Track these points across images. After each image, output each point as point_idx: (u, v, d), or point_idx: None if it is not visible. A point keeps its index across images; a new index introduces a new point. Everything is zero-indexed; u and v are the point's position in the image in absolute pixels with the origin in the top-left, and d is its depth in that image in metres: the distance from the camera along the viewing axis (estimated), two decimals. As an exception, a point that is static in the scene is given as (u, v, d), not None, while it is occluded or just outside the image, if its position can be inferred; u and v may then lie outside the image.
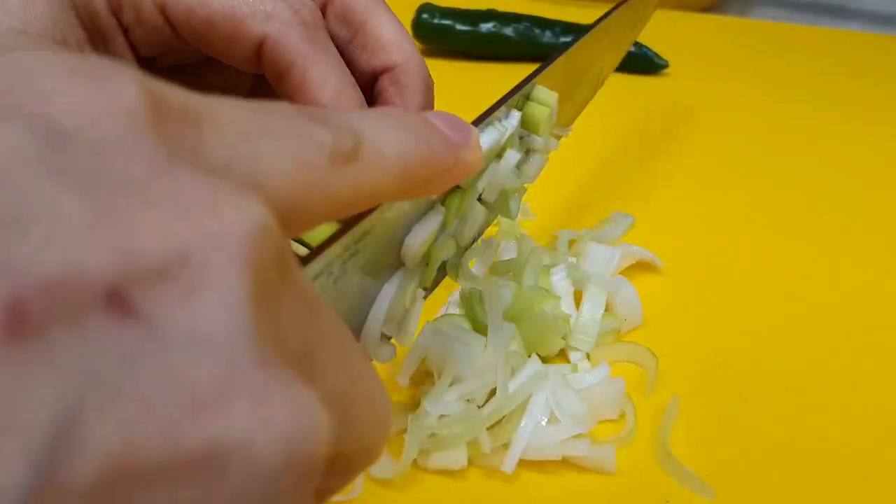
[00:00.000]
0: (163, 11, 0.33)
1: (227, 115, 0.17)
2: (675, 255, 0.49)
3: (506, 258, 0.45)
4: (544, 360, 0.41)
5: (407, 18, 0.73)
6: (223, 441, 0.14)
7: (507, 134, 0.34)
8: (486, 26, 0.73)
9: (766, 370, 0.43)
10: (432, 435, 0.36)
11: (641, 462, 0.37)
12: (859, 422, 0.40)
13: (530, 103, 0.37)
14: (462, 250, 0.35)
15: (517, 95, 0.35)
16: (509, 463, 0.36)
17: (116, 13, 0.34)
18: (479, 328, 0.40)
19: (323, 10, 0.35)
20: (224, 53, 0.34)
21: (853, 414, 0.40)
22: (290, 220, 0.17)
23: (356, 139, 0.19)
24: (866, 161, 0.62)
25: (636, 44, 0.72)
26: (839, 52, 0.79)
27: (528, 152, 0.37)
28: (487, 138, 0.33)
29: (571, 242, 0.49)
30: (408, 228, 0.31)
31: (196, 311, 0.14)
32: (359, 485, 0.36)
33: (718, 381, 0.42)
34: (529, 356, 0.39)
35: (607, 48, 0.47)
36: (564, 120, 0.43)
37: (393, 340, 0.32)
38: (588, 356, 0.42)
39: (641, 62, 0.73)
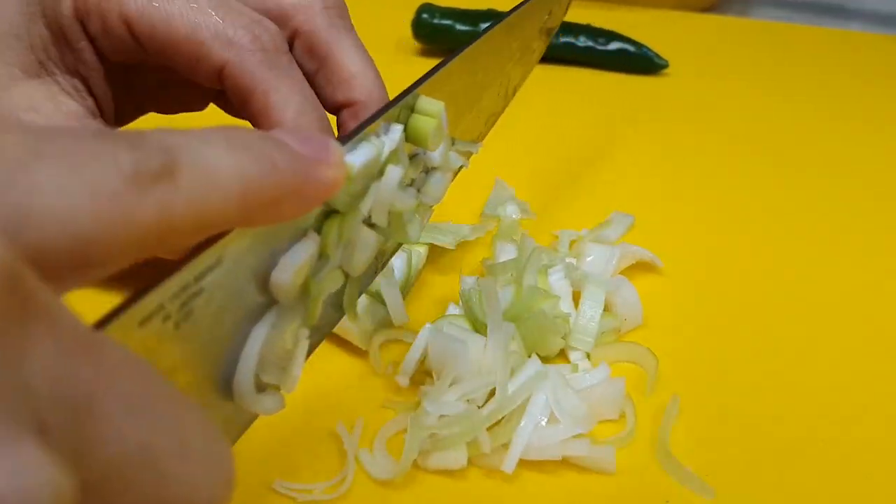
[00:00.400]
0: (128, 26, 0.33)
1: (7, 142, 0.15)
2: (675, 255, 0.49)
3: (505, 258, 0.45)
4: (544, 360, 0.41)
5: (407, 18, 0.73)
6: None
7: (387, 149, 0.31)
8: (486, 26, 0.72)
9: (767, 370, 0.43)
10: (432, 435, 0.36)
11: (641, 462, 0.37)
12: (859, 422, 0.40)
13: (414, 115, 0.33)
14: (357, 282, 0.32)
15: (397, 107, 0.32)
16: (509, 463, 0.36)
17: (83, 21, 0.34)
18: (479, 328, 0.40)
19: (291, 43, 0.36)
20: (188, 72, 0.34)
21: (853, 414, 0.40)
22: (82, 253, 0.16)
23: (168, 159, 0.17)
24: (866, 161, 0.62)
25: (636, 44, 0.72)
26: (839, 52, 0.79)
27: (428, 171, 0.35)
28: (361, 155, 0.30)
29: (572, 243, 0.49)
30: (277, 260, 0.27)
31: None
32: (348, 479, 0.36)
33: (718, 381, 0.42)
34: (529, 356, 0.39)
35: (510, 55, 0.45)
36: (471, 135, 0.42)
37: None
38: (588, 356, 0.42)
39: (641, 62, 0.73)
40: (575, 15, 0.80)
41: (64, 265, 0.15)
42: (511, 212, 0.50)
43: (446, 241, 0.46)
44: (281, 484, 0.35)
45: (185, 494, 0.16)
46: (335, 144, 0.22)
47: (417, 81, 0.34)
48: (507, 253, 0.46)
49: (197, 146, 0.18)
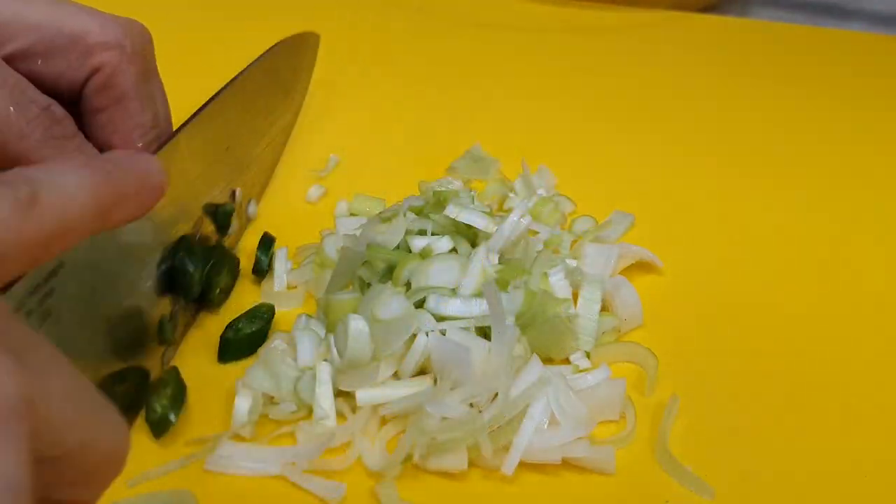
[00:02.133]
0: None
1: None
2: (675, 255, 0.49)
3: (508, 259, 0.45)
4: (546, 360, 0.41)
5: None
6: None
7: None
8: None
9: (766, 370, 0.43)
10: (433, 438, 0.35)
11: (641, 462, 0.37)
12: (859, 422, 0.40)
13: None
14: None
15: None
16: (509, 465, 0.36)
17: None
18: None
19: (89, 78, 0.38)
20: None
21: (853, 414, 0.40)
22: None
23: (33, 186, 0.23)
24: (866, 160, 0.62)
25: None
26: (839, 52, 0.79)
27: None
28: None
29: (573, 243, 0.49)
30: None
31: None
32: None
33: (718, 381, 0.42)
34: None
35: (260, 102, 0.51)
36: (253, 191, 0.51)
37: None
38: (588, 355, 0.42)
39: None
40: (575, 15, 0.80)
41: None
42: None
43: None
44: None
45: (98, 452, 0.22)
46: (154, 157, 0.28)
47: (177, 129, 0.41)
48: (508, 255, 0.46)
49: (49, 173, 0.24)
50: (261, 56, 0.50)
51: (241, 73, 0.48)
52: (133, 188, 0.26)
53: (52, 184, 0.23)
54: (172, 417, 0.37)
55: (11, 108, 0.35)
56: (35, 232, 0.22)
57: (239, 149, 0.48)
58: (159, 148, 0.39)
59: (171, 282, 0.41)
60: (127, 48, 0.38)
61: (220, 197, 0.46)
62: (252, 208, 0.50)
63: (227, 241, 0.47)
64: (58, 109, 0.36)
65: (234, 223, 0.47)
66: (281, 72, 0.54)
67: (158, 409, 0.38)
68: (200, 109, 0.43)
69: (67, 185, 0.24)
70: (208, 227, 0.45)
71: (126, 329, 0.38)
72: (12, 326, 0.21)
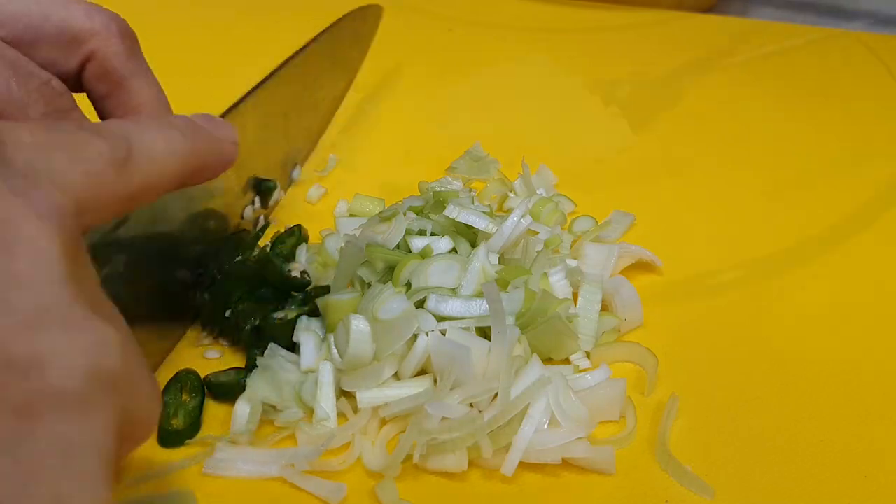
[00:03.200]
0: None
1: (25, 134, 0.23)
2: (675, 255, 0.49)
3: (508, 259, 0.45)
4: (547, 361, 0.40)
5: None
6: (41, 351, 0.19)
7: None
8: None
9: (766, 370, 0.43)
10: (433, 438, 0.35)
11: (641, 462, 0.37)
12: (858, 422, 0.40)
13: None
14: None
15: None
16: (509, 466, 0.35)
17: None
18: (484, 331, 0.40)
19: (83, 66, 0.38)
20: None
21: (852, 414, 0.40)
22: (83, 213, 0.23)
23: (128, 145, 0.25)
24: (866, 161, 0.62)
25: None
26: (839, 52, 0.79)
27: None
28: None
29: (573, 243, 0.49)
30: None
31: (14, 260, 0.20)
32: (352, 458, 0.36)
33: (718, 381, 0.42)
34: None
35: (320, 72, 0.55)
36: (299, 156, 0.55)
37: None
38: (588, 355, 0.42)
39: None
40: (576, 15, 0.80)
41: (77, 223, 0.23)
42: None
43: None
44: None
45: (143, 407, 0.23)
46: (232, 125, 0.30)
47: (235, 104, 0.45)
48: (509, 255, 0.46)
49: (141, 132, 0.26)
50: (323, 31, 0.54)
51: (303, 48, 0.51)
52: (213, 154, 0.28)
53: (143, 144, 0.25)
54: (184, 437, 0.37)
55: (12, 82, 0.34)
56: (125, 188, 0.24)
57: (293, 119, 0.52)
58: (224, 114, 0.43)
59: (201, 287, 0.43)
60: (114, 32, 0.38)
61: (268, 170, 0.50)
62: (296, 172, 0.54)
63: (245, 225, 0.49)
64: (57, 83, 0.36)
65: (277, 194, 0.51)
66: (340, 45, 0.58)
67: (175, 424, 0.38)
68: (260, 83, 0.47)
69: (157, 147, 0.26)
70: (248, 201, 0.48)
71: (158, 296, 0.41)
72: (103, 296, 0.22)
